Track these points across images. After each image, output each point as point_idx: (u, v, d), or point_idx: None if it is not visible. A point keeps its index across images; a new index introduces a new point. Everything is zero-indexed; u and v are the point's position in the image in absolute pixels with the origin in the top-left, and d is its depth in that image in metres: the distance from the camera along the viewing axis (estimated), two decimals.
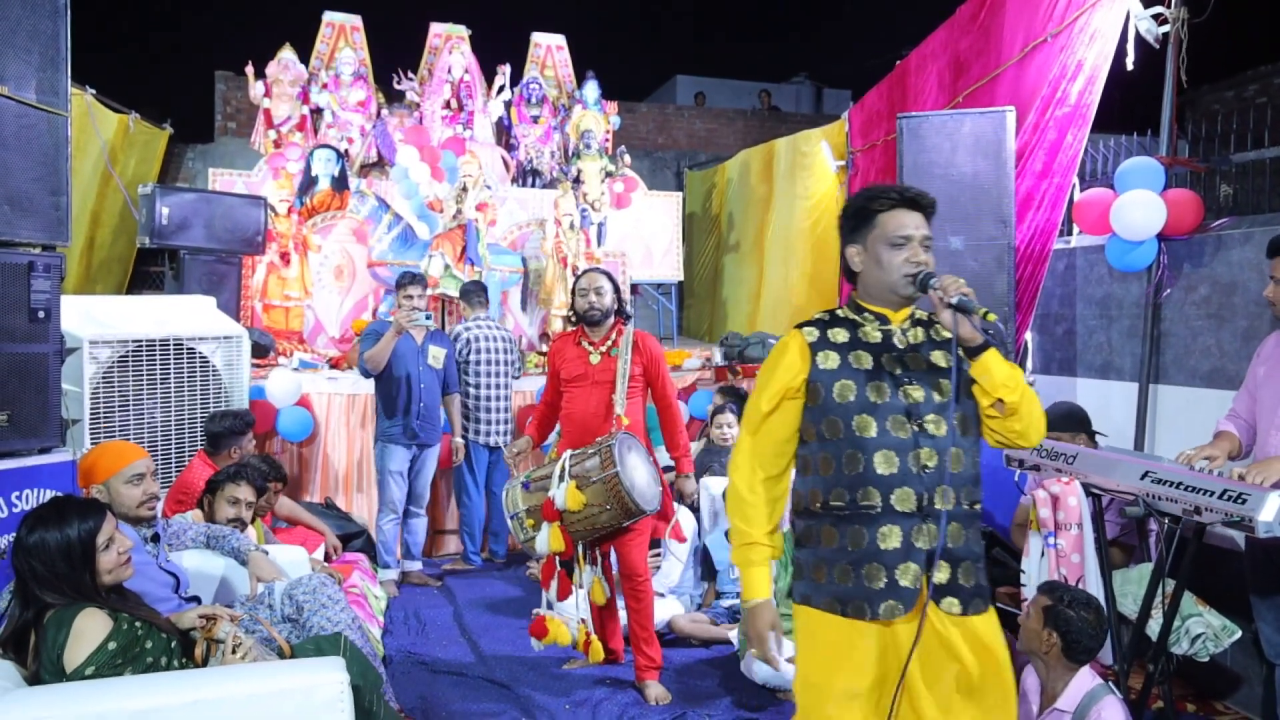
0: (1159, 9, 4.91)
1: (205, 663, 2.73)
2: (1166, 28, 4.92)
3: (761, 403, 2.35)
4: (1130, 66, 4.98)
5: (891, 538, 2.21)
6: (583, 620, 4.01)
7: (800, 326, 2.39)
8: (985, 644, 2.23)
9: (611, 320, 4.19)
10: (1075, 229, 5.64)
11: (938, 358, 2.30)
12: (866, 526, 2.23)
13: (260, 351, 6.44)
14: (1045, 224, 5.35)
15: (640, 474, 3.82)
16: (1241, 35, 9.77)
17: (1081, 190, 5.45)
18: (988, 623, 2.26)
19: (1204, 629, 3.27)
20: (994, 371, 2.22)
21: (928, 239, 2.31)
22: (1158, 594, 3.21)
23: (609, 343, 4.17)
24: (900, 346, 2.32)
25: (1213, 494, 2.80)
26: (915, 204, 2.33)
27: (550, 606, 3.98)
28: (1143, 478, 3.04)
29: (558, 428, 4.47)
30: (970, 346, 2.21)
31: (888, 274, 2.30)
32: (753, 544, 2.33)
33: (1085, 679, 3.02)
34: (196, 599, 3.27)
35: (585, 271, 4.30)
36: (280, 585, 3.39)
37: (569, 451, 3.87)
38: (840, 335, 2.34)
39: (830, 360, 2.30)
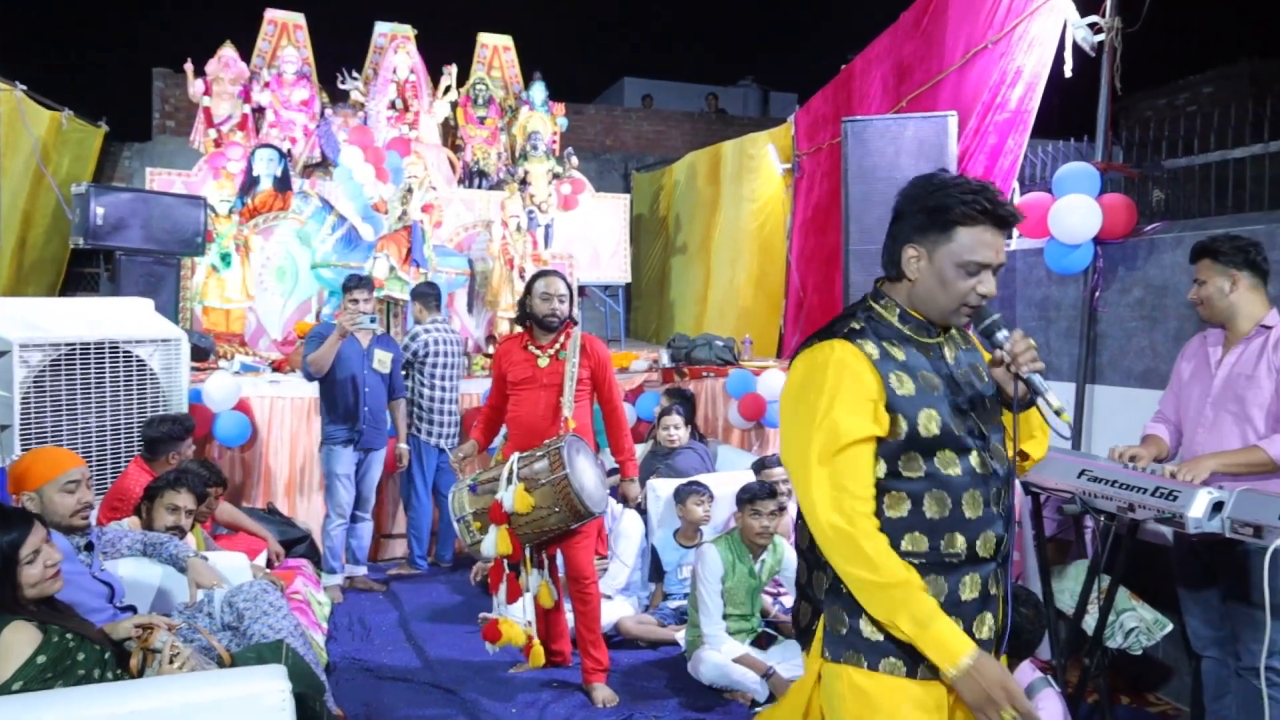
0: (1095, 18, 5.03)
1: (141, 674, 2.67)
2: (1102, 36, 5.03)
3: (841, 423, 1.85)
4: (1069, 74, 5.09)
5: (972, 587, 1.91)
6: (529, 624, 4.00)
7: (845, 337, 1.92)
8: None
9: (562, 324, 4.19)
10: (1015, 232, 5.74)
11: (980, 374, 2.01)
12: (947, 576, 1.90)
13: (200, 354, 6.32)
14: None
15: (589, 476, 3.81)
16: (1173, 46, 10.05)
17: (1021, 194, 5.55)
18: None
19: (1137, 623, 3.35)
20: (1035, 425, 2.06)
21: (1002, 265, 1.95)
22: (1093, 590, 3.28)
23: (557, 346, 4.16)
24: (952, 365, 1.98)
25: (1145, 491, 2.87)
26: (1004, 223, 1.92)
27: (499, 609, 3.95)
28: (1079, 476, 3.10)
29: (503, 431, 4.45)
30: (1021, 401, 1.98)
31: (947, 299, 1.93)
32: (901, 584, 1.81)
33: (1025, 673, 3.08)
34: (132, 608, 3.20)
35: (546, 275, 4.22)
36: (220, 592, 3.33)
37: (517, 454, 3.85)
38: (898, 351, 1.93)
39: (905, 385, 1.89)
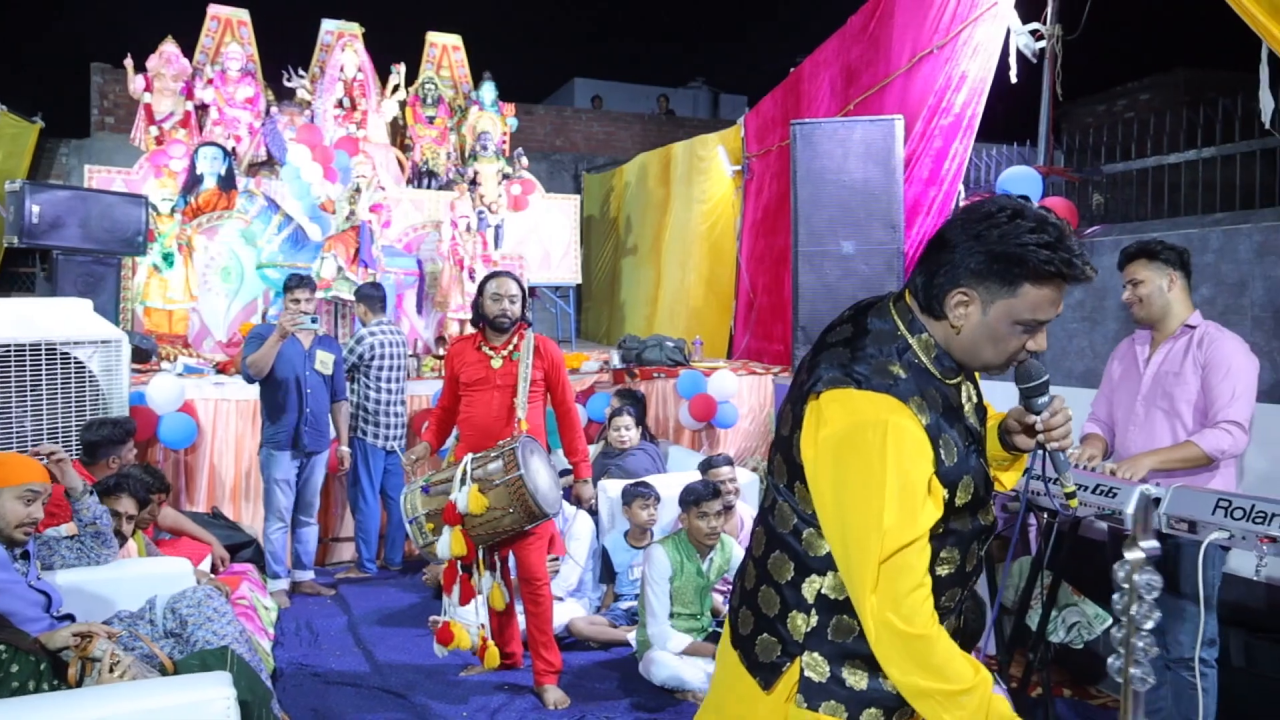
0: (1036, 25, 5.13)
1: (80, 684, 2.61)
2: (1043, 44, 5.14)
3: (918, 518, 1.60)
4: (1013, 79, 5.19)
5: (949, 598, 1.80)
6: (482, 626, 3.97)
7: (897, 395, 1.64)
8: None
9: (514, 325, 4.17)
10: None
11: (978, 414, 1.83)
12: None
13: (141, 356, 6.18)
14: (932, 229, 5.53)
15: (543, 478, 3.80)
16: (1111, 54, 10.28)
17: (966, 197, 5.65)
18: None
19: (1079, 618, 3.42)
20: (1008, 481, 1.93)
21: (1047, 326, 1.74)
22: (1037, 586, 3.35)
23: (510, 347, 4.14)
24: (966, 414, 1.77)
25: (1086, 489, 2.94)
26: (1076, 280, 1.65)
27: (450, 611, 3.92)
28: (1022, 474, 3.16)
29: (455, 432, 4.42)
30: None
31: (994, 355, 1.70)
32: (973, 689, 1.60)
33: None
34: (70, 617, 3.12)
35: (497, 275, 4.19)
36: (162, 599, 3.26)
37: (470, 455, 3.82)
38: (934, 402, 1.69)
39: (950, 453, 1.68)
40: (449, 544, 3.71)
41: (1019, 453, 1.86)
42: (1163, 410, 3.30)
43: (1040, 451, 1.80)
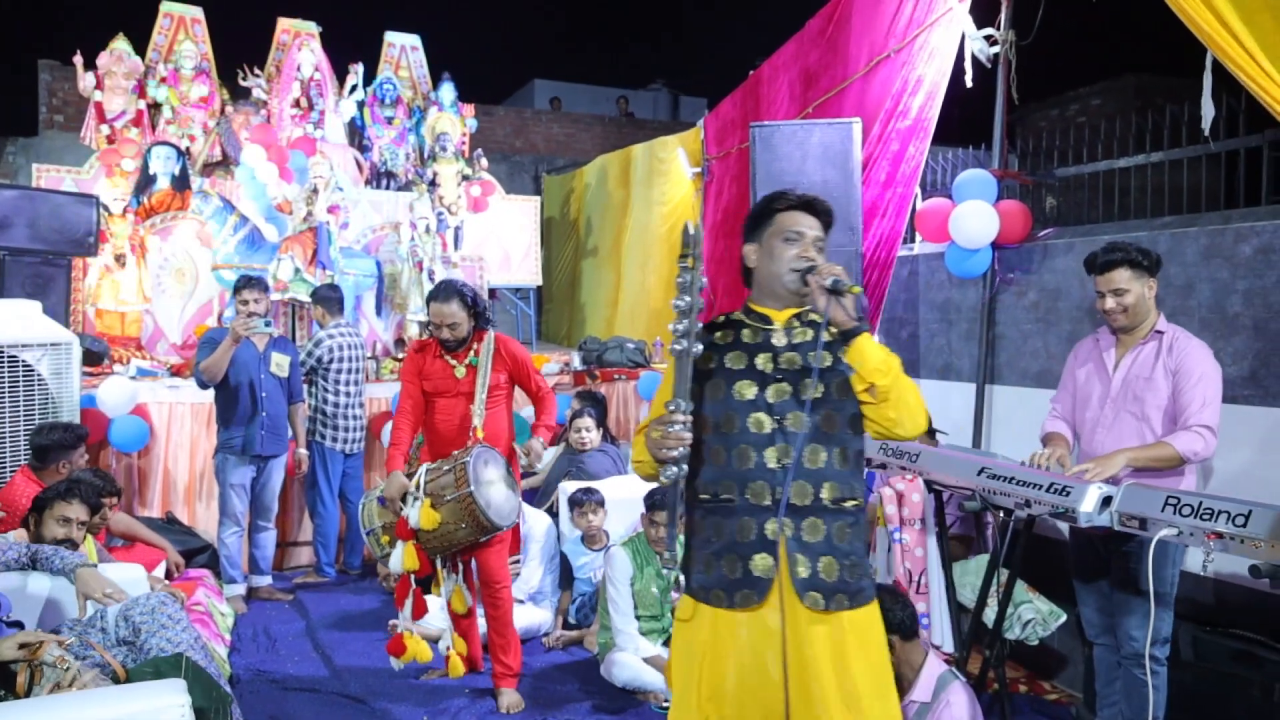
0: (990, 31, 5.21)
1: (29, 693, 2.55)
2: (997, 49, 5.21)
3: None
4: (969, 84, 5.26)
5: (747, 530, 2.27)
6: (446, 631, 3.96)
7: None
8: (857, 638, 2.27)
9: (466, 341, 4.06)
10: (917, 237, 5.91)
11: (815, 356, 2.31)
12: (726, 519, 2.30)
13: (93, 359, 6.07)
14: (890, 232, 5.59)
15: (497, 490, 3.76)
16: (1064, 59, 10.45)
17: (923, 200, 5.71)
18: (860, 617, 2.29)
19: (1034, 614, 3.48)
20: (868, 356, 2.25)
21: (820, 240, 2.38)
22: (993, 583, 3.40)
23: (470, 354, 4.08)
24: (778, 346, 2.36)
25: (1041, 488, 2.99)
26: (812, 207, 2.40)
27: (405, 624, 3.89)
28: (979, 474, 3.21)
29: (419, 438, 4.35)
30: (845, 330, 2.26)
31: (778, 266, 2.36)
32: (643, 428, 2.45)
33: (934, 667, 3.17)
34: (19, 624, 3.05)
35: (435, 298, 4.01)
36: (115, 607, 3.20)
37: (425, 466, 3.79)
38: (724, 337, 2.41)
39: (708, 361, 2.36)
40: (401, 559, 3.68)
41: (844, 334, 2.28)
42: (1132, 414, 3.34)
43: (826, 292, 2.25)
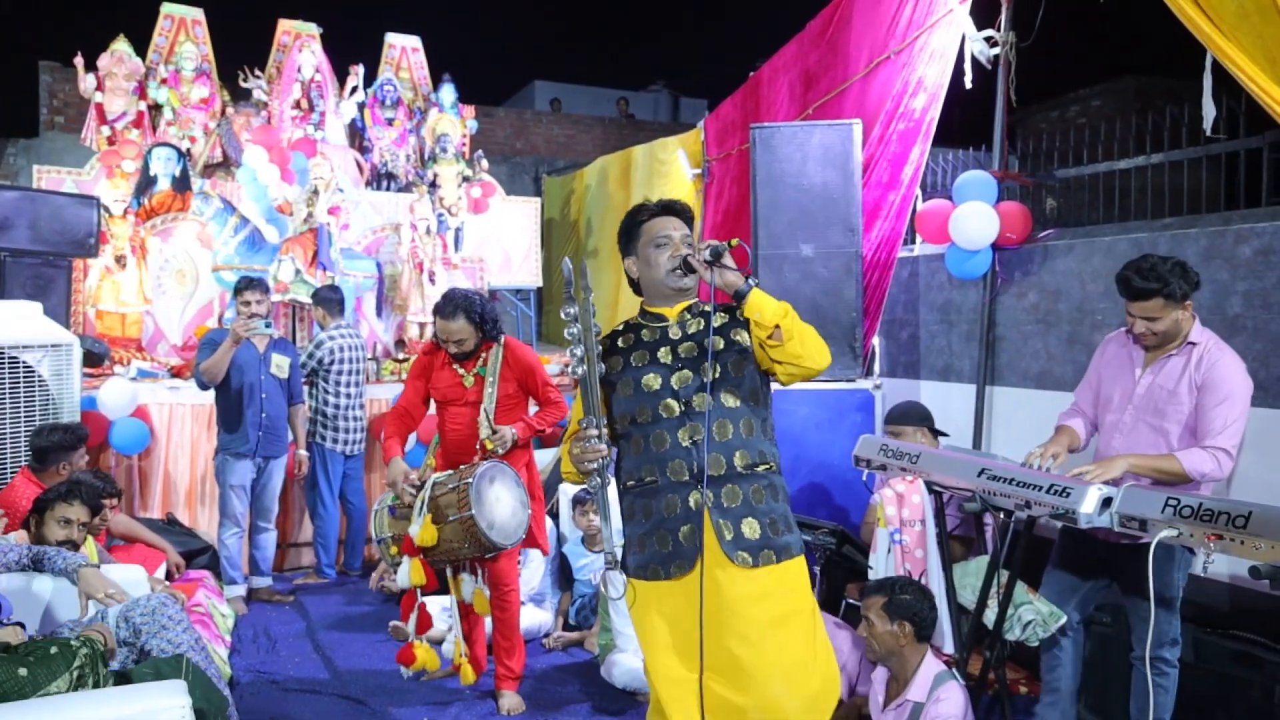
0: (990, 32, 5.21)
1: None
2: (997, 50, 5.22)
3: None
4: (969, 85, 5.26)
5: (673, 506, 2.53)
6: (454, 636, 3.95)
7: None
8: (784, 588, 2.53)
9: (475, 352, 4.04)
10: (918, 238, 5.91)
11: (709, 342, 2.58)
12: (652, 499, 2.57)
13: (94, 360, 6.07)
14: (890, 233, 5.59)
15: (502, 507, 3.71)
16: (1064, 61, 10.46)
17: (923, 201, 5.71)
18: (786, 570, 2.54)
19: (1034, 616, 3.47)
20: (764, 306, 2.48)
21: (687, 237, 2.65)
22: (993, 584, 3.39)
23: (480, 363, 4.06)
24: (674, 338, 2.64)
25: (1041, 489, 2.98)
26: (671, 210, 2.68)
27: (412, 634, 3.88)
28: (979, 475, 3.20)
29: (436, 438, 4.33)
30: (739, 291, 2.50)
31: (656, 271, 2.63)
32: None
33: (931, 666, 3.18)
34: (20, 625, 3.06)
35: (441, 311, 3.95)
36: (115, 607, 3.20)
37: (432, 479, 3.77)
38: (626, 340, 2.70)
39: (615, 366, 2.67)
40: (408, 574, 3.67)
41: (738, 295, 2.52)
42: (1150, 424, 3.27)
43: (709, 265, 2.51)
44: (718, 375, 2.56)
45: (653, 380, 2.59)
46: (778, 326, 2.45)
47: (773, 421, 2.71)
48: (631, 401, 2.60)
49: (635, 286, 2.77)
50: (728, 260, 2.50)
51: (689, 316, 2.67)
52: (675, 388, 2.58)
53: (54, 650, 2.50)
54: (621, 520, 2.68)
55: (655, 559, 2.56)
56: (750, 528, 2.52)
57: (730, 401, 2.57)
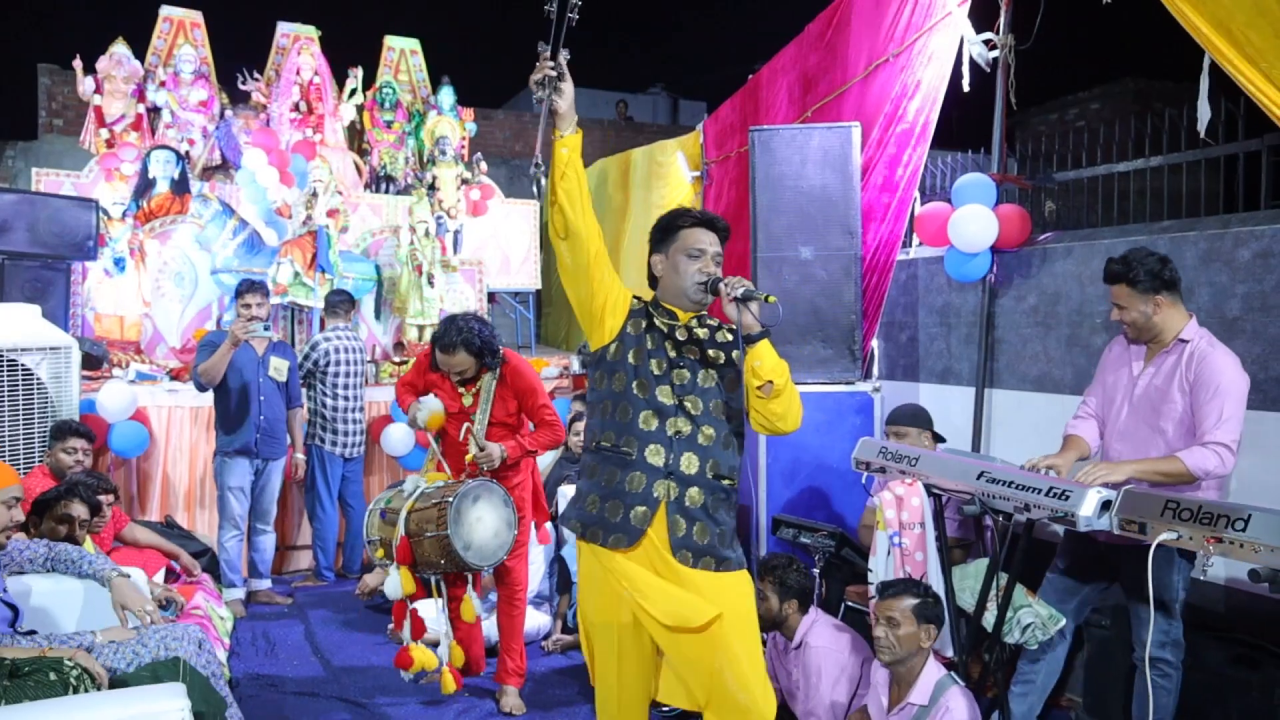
0: (989, 35, 5.21)
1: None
2: (996, 53, 5.22)
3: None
4: (967, 88, 5.26)
5: (638, 483, 2.63)
6: (445, 637, 3.95)
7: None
8: (718, 595, 2.60)
9: (479, 371, 4.04)
10: (916, 241, 5.91)
11: (712, 354, 2.72)
12: (621, 468, 2.65)
13: (93, 363, 6.07)
14: (889, 236, 5.59)
15: (483, 528, 3.70)
16: (1063, 64, 10.48)
17: (922, 204, 5.71)
18: (721, 577, 2.63)
19: (1033, 619, 3.47)
20: (765, 358, 2.57)
21: (719, 255, 2.73)
22: (993, 587, 3.39)
23: (477, 385, 4.07)
24: (681, 339, 2.72)
25: (1040, 491, 2.98)
26: (711, 225, 2.75)
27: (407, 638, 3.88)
28: (978, 478, 3.20)
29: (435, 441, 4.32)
30: (750, 335, 2.56)
31: (683, 280, 2.72)
32: None
33: (933, 671, 3.17)
34: (33, 634, 3.03)
35: (438, 350, 3.94)
36: (152, 635, 3.17)
37: (420, 490, 3.78)
38: (637, 323, 2.75)
39: (637, 327, 2.73)
40: (398, 584, 3.67)
41: (748, 338, 2.57)
42: (1148, 425, 3.29)
43: (736, 301, 2.57)
44: (713, 385, 2.69)
45: (657, 365, 2.68)
46: (770, 381, 2.55)
47: (744, 443, 2.81)
48: (631, 369, 2.68)
49: (653, 281, 2.85)
50: (753, 306, 2.55)
51: (696, 324, 2.77)
52: (675, 381, 2.67)
53: (53, 677, 2.49)
54: (579, 475, 2.82)
55: (599, 523, 2.66)
56: (701, 532, 2.63)
57: (718, 413, 2.69)
